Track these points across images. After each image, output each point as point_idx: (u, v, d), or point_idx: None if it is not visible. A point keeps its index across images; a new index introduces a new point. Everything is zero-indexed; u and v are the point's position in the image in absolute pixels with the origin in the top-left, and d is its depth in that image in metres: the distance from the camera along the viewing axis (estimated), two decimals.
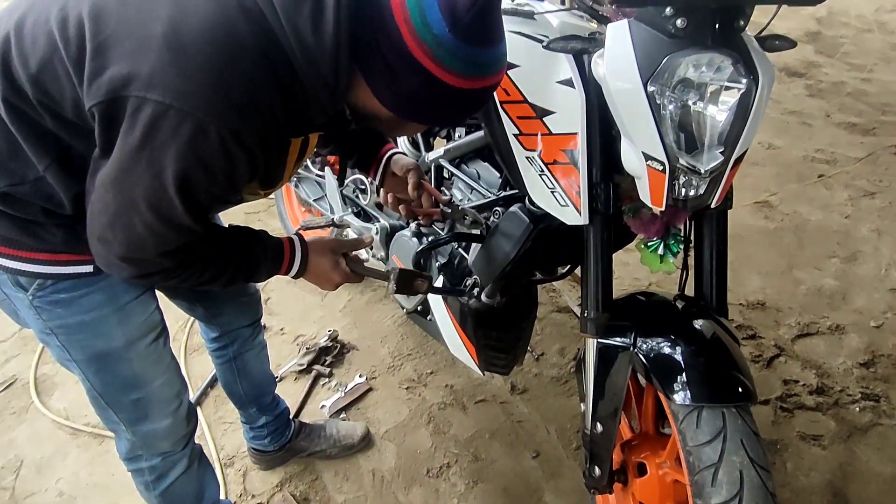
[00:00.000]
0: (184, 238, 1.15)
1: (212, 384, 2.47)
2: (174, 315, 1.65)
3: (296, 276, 1.46)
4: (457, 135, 1.89)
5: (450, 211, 1.63)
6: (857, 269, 3.10)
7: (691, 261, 1.47)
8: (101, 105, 1.01)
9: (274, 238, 1.41)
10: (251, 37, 1.01)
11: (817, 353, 2.61)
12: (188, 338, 2.71)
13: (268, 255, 1.38)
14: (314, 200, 2.66)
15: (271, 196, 3.17)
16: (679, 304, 1.43)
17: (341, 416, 2.35)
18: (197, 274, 1.25)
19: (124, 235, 1.11)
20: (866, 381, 2.47)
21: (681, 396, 1.22)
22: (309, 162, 2.61)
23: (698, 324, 1.33)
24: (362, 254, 2.47)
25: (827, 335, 2.70)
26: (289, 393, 2.37)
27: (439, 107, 1.12)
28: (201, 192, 1.08)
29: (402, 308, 2.23)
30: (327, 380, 2.50)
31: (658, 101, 1.10)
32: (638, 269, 2.95)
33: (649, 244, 1.44)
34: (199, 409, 2.36)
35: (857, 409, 2.35)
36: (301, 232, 1.69)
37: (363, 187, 2.30)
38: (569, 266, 1.91)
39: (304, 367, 2.52)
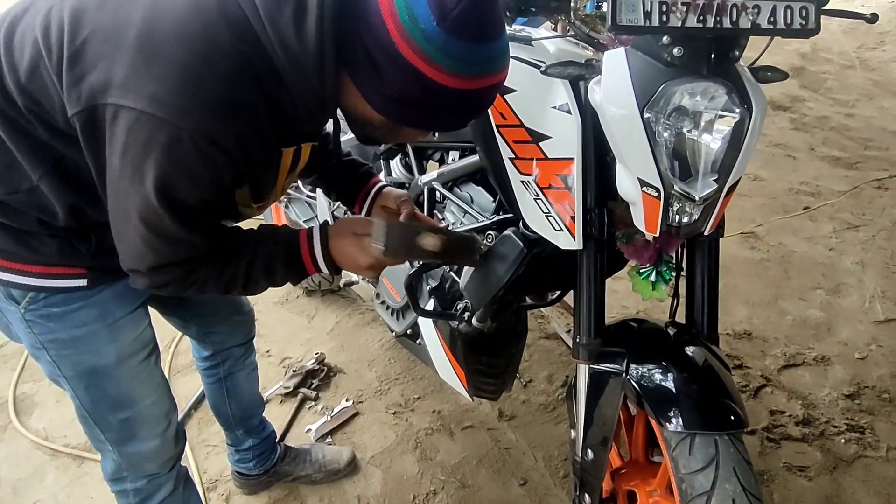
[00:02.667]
0: (180, 253, 1.12)
1: (196, 406, 2.44)
2: (160, 334, 1.63)
3: (331, 270, 1.28)
4: (450, 158, 1.89)
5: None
6: (841, 301, 3.13)
7: (682, 288, 1.48)
8: (81, 115, 1.00)
9: (288, 232, 1.27)
10: (229, 38, 0.98)
11: (803, 383, 2.61)
12: (173, 358, 2.68)
13: (280, 251, 1.24)
14: (304, 221, 2.65)
15: (260, 217, 3.18)
16: (671, 331, 1.43)
17: (327, 440, 2.33)
18: (212, 282, 1.19)
19: (126, 247, 1.10)
20: (851, 413, 2.48)
21: (673, 423, 1.22)
22: (300, 182, 2.61)
23: (690, 351, 1.33)
24: (352, 276, 2.47)
25: (812, 366, 2.72)
26: (274, 416, 2.33)
27: (433, 110, 1.06)
28: (186, 199, 1.04)
29: (391, 331, 2.21)
30: (313, 403, 2.48)
31: (654, 128, 1.11)
32: (626, 296, 2.96)
33: (641, 271, 1.45)
34: None
35: (843, 440, 2.35)
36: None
37: (355, 210, 2.29)
38: (559, 292, 1.92)
39: (290, 389, 2.50)
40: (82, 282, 1.24)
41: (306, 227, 1.31)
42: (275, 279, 1.26)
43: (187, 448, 2.23)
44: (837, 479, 2.21)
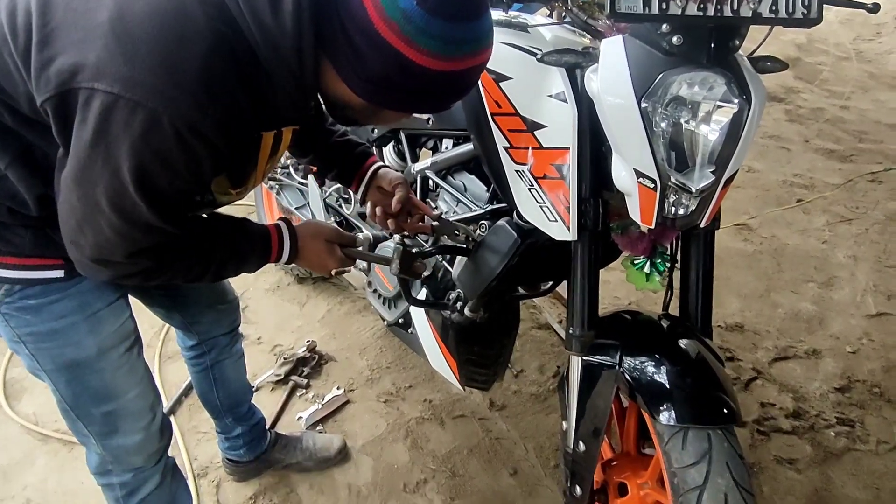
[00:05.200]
0: (154, 239, 1.09)
1: (186, 393, 2.43)
2: (149, 321, 1.61)
3: (288, 262, 1.37)
4: (444, 146, 1.87)
5: (440, 225, 1.60)
6: (833, 295, 3.13)
7: (675, 280, 1.47)
8: (52, 100, 0.96)
9: (259, 227, 1.32)
10: (204, 17, 0.95)
11: (794, 376, 2.62)
12: (163, 345, 2.67)
13: (255, 246, 1.29)
14: (296, 208, 2.63)
15: (251, 202, 3.16)
16: (664, 324, 1.42)
17: (318, 428, 2.32)
18: (182, 272, 1.19)
19: (93, 238, 1.06)
20: (842, 407, 2.48)
21: (666, 417, 1.21)
22: (292, 169, 2.59)
23: (684, 344, 1.32)
24: None
25: (804, 359, 2.72)
26: (265, 403, 2.33)
27: (415, 92, 1.03)
28: (164, 187, 1.01)
29: (383, 320, 2.20)
30: (304, 391, 2.47)
31: (651, 119, 1.10)
32: (618, 287, 2.95)
33: (636, 262, 1.44)
34: (172, 419, 2.32)
35: (833, 433, 2.36)
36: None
37: (346, 196, 2.28)
38: (551, 282, 1.91)
39: (281, 377, 2.49)
40: (59, 273, 1.21)
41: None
42: (240, 272, 1.31)
43: (177, 435, 2.24)
44: (826, 471, 2.21)
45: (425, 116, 1.81)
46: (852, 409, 2.47)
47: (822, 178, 4.16)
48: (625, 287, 2.90)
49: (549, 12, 1.82)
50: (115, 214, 1.02)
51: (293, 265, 1.41)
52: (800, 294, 3.12)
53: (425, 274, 1.70)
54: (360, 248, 1.50)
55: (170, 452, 1.58)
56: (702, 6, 1.02)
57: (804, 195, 3.95)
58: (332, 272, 1.46)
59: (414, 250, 1.55)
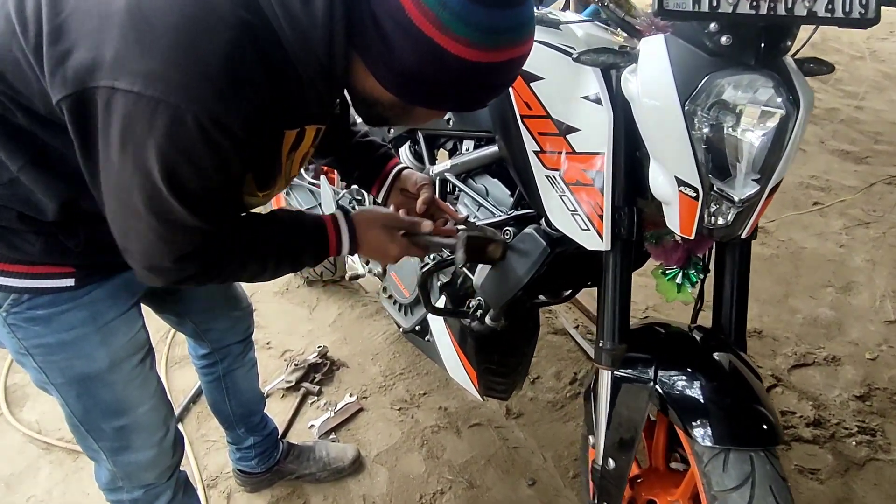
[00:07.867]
0: (196, 241, 1.04)
1: (194, 399, 2.38)
2: (154, 326, 1.54)
3: (350, 253, 1.31)
4: (464, 148, 1.81)
5: (466, 228, 1.54)
6: (851, 300, 3.08)
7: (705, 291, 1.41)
8: (69, 99, 0.90)
9: (314, 218, 1.27)
10: (229, 6, 0.89)
11: (813, 384, 2.57)
12: (169, 350, 2.62)
13: (309, 239, 1.24)
14: (307, 210, 2.58)
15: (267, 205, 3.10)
16: (697, 336, 1.37)
17: (331, 437, 2.27)
18: (235, 272, 1.15)
19: (139, 245, 1.02)
20: (863, 415, 2.43)
21: (706, 437, 1.16)
22: (302, 169, 2.53)
23: (720, 357, 1.27)
24: (358, 269, 2.40)
25: (823, 366, 2.67)
26: (275, 411, 2.28)
27: (450, 86, 0.96)
28: (194, 187, 0.96)
29: (399, 327, 2.15)
30: (316, 398, 2.42)
31: (694, 124, 1.04)
32: (636, 292, 2.89)
33: (667, 272, 1.38)
34: (181, 426, 2.26)
35: (854, 443, 2.31)
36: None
37: (360, 198, 2.22)
38: (571, 290, 1.85)
39: (292, 384, 2.44)
40: (69, 281, 1.16)
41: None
42: (298, 267, 1.26)
43: (187, 444, 2.18)
44: (849, 482, 2.16)
45: (445, 116, 1.75)
46: (873, 418, 2.42)
47: (838, 180, 4.11)
48: (643, 293, 2.85)
49: (562, 5, 1.75)
50: (154, 218, 0.98)
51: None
52: (818, 299, 3.07)
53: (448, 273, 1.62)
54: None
55: (182, 469, 1.53)
56: (754, 4, 0.95)
57: (821, 198, 3.90)
58: (393, 261, 1.38)
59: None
